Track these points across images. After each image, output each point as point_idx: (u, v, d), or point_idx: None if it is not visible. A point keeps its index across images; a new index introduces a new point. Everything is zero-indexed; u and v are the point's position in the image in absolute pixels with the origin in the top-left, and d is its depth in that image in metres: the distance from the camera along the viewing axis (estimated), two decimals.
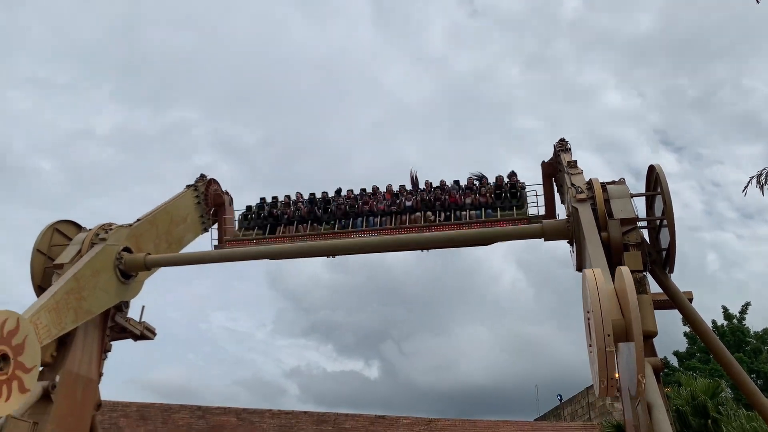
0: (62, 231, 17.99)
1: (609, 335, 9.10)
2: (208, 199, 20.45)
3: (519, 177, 19.15)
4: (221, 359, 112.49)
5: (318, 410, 31.13)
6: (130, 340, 19.11)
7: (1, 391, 11.58)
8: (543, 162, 18.78)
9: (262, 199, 20.83)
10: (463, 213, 18.42)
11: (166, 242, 18.77)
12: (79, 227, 18.29)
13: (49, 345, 15.99)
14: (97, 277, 16.69)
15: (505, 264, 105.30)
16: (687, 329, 36.58)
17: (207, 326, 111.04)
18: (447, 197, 18.77)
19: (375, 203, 19.41)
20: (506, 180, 19.15)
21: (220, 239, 20.35)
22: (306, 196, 20.57)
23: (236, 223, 20.62)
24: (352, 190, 20.30)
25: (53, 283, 16.55)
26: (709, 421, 23.72)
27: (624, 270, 9.94)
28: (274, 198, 20.81)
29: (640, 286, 13.15)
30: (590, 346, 9.85)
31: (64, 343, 16.38)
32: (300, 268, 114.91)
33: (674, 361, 36.93)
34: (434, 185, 19.47)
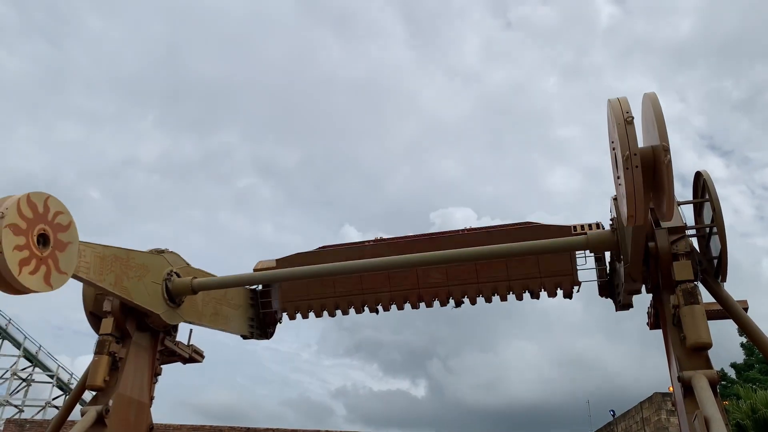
0: None
1: (635, 154, 9.45)
2: (266, 317, 20.34)
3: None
4: (268, 380, 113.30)
5: (366, 430, 30.99)
6: (179, 364, 19.43)
7: (39, 268, 11.92)
8: None
9: None
10: None
11: (213, 309, 18.88)
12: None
13: (101, 369, 16.41)
14: (146, 273, 16.93)
15: None
16: (744, 340, 35.34)
17: (253, 347, 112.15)
18: None
19: None
20: None
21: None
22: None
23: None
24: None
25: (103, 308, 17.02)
26: None
27: (650, 95, 10.26)
28: None
29: (692, 296, 12.80)
30: (618, 178, 10.13)
31: (116, 367, 16.77)
32: None
33: (732, 373, 35.69)
34: None
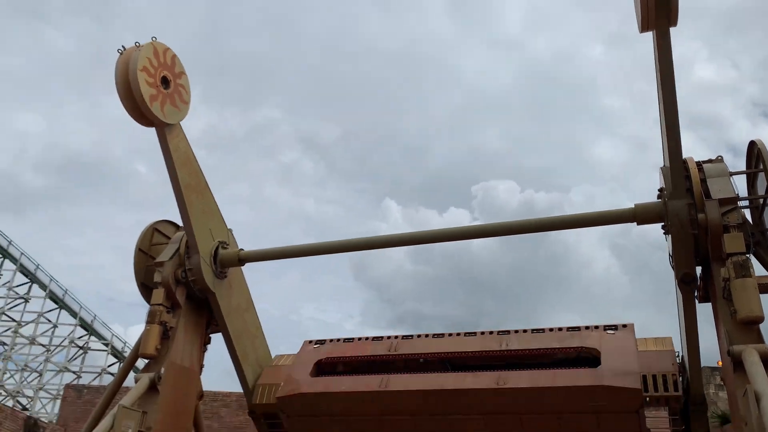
0: (161, 230, 19.03)
1: None
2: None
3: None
4: None
5: None
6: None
7: (172, 100, 15.71)
8: None
9: None
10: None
11: (242, 323, 18.80)
12: (176, 226, 19.29)
13: (152, 338, 17.00)
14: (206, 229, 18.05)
15: (596, 250, 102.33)
16: None
17: (297, 318, 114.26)
18: None
19: None
20: None
21: None
22: None
23: None
24: None
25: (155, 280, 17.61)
26: None
27: None
28: None
29: (744, 269, 12.47)
30: None
31: (167, 336, 17.34)
32: (383, 260, 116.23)
33: None
34: None
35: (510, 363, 15.89)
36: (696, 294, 13.91)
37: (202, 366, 18.80)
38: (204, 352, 18.79)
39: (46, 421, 31.29)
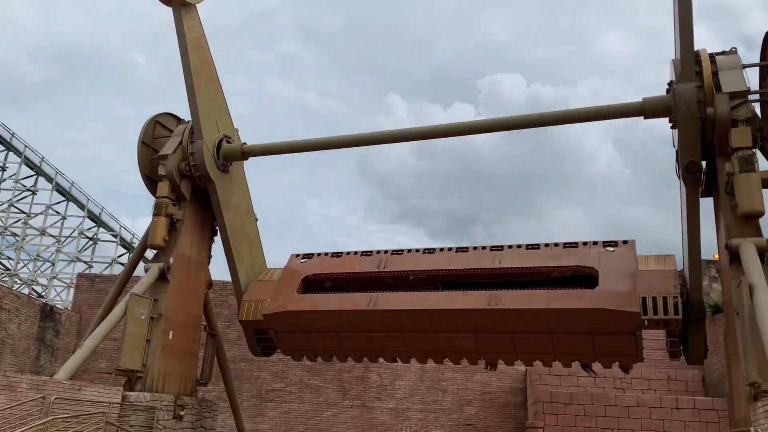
0: (163, 123, 18.92)
1: None
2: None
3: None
4: (317, 243, 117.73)
5: None
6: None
7: None
8: None
9: None
10: None
11: (240, 220, 19.00)
12: (178, 119, 19.16)
13: (160, 230, 17.33)
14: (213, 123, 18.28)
15: (600, 144, 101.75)
16: None
17: (302, 212, 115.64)
18: None
19: None
20: None
21: None
22: None
23: None
24: None
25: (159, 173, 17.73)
26: None
27: None
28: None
29: (749, 164, 12.48)
30: None
31: (174, 228, 17.66)
32: (387, 155, 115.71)
33: None
34: None
35: (503, 281, 15.47)
36: (699, 188, 13.96)
37: (210, 257, 19.31)
38: (211, 243, 19.23)
39: (62, 308, 32.48)
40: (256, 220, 20.83)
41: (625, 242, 15.23)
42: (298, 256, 17.95)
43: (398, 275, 16.57)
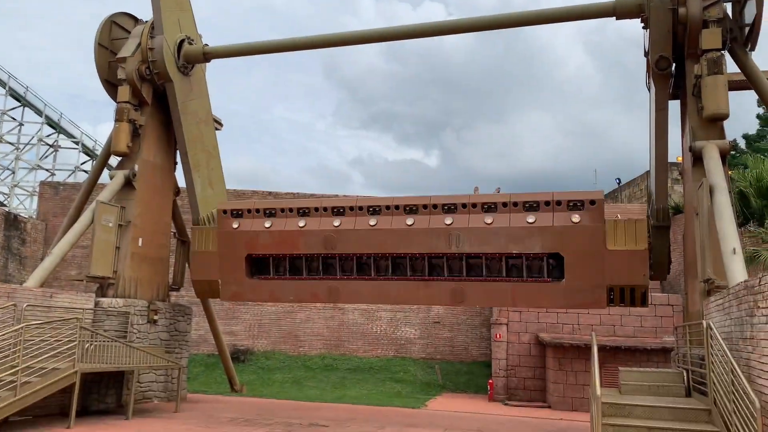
0: (120, 24, 18.06)
1: None
2: None
3: None
4: (285, 149, 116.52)
5: (381, 195, 32.50)
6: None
7: None
8: None
9: None
10: None
11: (197, 130, 18.32)
12: (136, 20, 18.29)
13: (123, 136, 16.93)
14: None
15: (570, 48, 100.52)
16: (761, 111, 35.07)
17: (269, 117, 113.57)
18: None
19: None
20: None
21: None
22: None
23: None
24: None
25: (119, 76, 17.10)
26: None
27: None
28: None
29: (716, 66, 12.55)
30: None
31: (138, 134, 17.26)
32: (355, 58, 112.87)
33: (743, 144, 36.01)
34: None
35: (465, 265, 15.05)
36: (668, 88, 14.01)
37: (176, 163, 18.99)
38: (176, 150, 18.87)
39: (26, 216, 32.02)
40: (221, 126, 20.45)
41: (592, 203, 14.14)
42: (226, 213, 16.83)
43: (349, 257, 15.93)
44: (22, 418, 12.85)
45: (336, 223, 15.63)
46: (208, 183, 18.28)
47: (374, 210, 15.53)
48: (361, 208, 15.65)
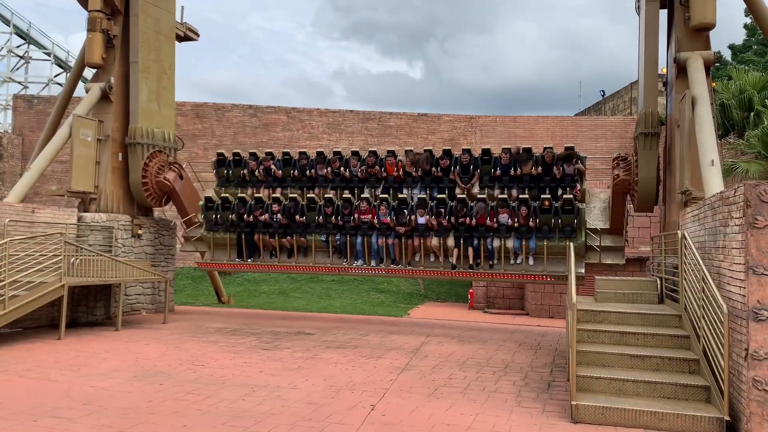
0: None
1: None
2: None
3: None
4: (264, 60, 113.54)
5: (367, 109, 32.17)
6: (174, 43, 19.24)
7: None
8: None
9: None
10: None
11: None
12: None
13: (96, 47, 16.37)
14: None
15: None
16: (748, 20, 34.56)
17: (246, 27, 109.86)
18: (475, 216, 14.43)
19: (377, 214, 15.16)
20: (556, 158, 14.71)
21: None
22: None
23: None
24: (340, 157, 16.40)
25: None
26: (752, 114, 23.78)
27: None
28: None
29: None
30: None
31: (112, 45, 16.69)
32: None
33: (728, 55, 35.67)
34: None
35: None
36: None
37: None
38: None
39: (1, 131, 31.36)
40: (197, 36, 19.81)
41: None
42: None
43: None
44: (12, 330, 13.10)
45: None
46: (156, 97, 17.49)
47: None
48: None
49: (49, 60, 41.55)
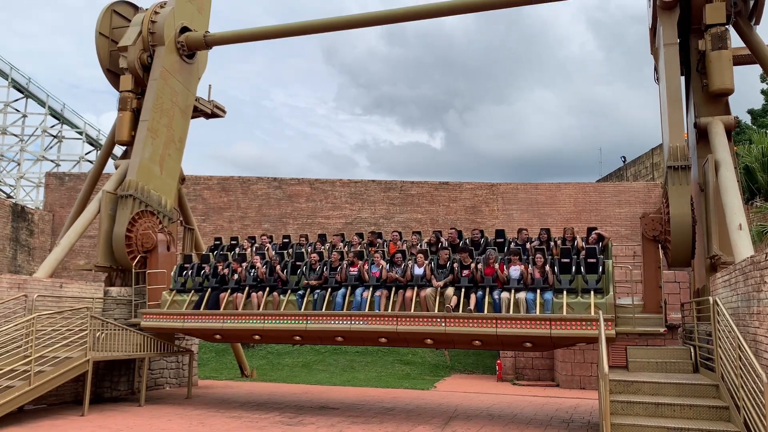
0: (120, 12, 18.04)
1: None
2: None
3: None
4: (287, 135, 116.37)
5: (387, 179, 32.52)
6: (202, 119, 19.87)
7: None
8: None
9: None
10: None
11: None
12: (135, 8, 18.26)
13: (126, 125, 16.96)
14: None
15: (573, 25, 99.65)
16: (765, 86, 34.81)
17: (270, 103, 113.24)
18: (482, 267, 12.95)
19: (368, 266, 13.73)
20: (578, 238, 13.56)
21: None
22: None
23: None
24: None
25: (120, 65, 17.11)
26: None
27: None
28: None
29: (721, 41, 12.44)
30: None
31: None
32: (355, 42, 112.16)
33: (747, 120, 35.79)
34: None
35: None
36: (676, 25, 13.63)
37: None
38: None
39: (33, 208, 32.17)
40: (224, 113, 20.42)
41: None
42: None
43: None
44: (37, 407, 13.04)
45: None
46: (159, 160, 17.21)
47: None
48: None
49: (80, 138, 43.07)
